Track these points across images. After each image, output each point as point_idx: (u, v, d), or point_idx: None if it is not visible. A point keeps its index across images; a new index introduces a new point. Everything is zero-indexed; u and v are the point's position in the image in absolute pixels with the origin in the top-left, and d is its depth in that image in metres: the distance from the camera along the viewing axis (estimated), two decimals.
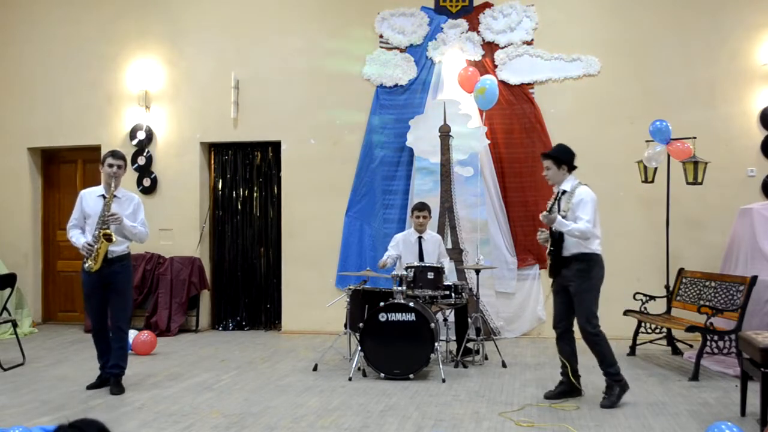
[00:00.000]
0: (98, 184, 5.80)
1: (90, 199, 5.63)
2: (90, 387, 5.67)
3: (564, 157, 5.25)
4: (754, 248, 6.56)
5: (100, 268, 5.46)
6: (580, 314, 5.11)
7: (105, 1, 9.13)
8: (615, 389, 5.06)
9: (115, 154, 5.65)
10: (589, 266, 5.09)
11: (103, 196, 5.57)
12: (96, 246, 5.43)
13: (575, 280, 5.11)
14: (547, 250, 5.28)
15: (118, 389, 5.58)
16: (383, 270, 6.98)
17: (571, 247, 5.12)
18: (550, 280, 7.93)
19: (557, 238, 5.14)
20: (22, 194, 9.34)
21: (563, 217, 5.07)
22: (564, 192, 5.21)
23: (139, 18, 9.04)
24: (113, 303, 5.64)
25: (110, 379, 5.63)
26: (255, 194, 9.02)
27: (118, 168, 5.59)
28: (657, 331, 7.04)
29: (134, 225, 5.63)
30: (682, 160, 7.21)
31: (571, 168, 5.28)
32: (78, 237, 5.56)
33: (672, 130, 7.11)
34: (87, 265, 5.47)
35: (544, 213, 5.09)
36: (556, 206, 5.19)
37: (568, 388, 5.30)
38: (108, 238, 5.41)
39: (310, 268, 8.50)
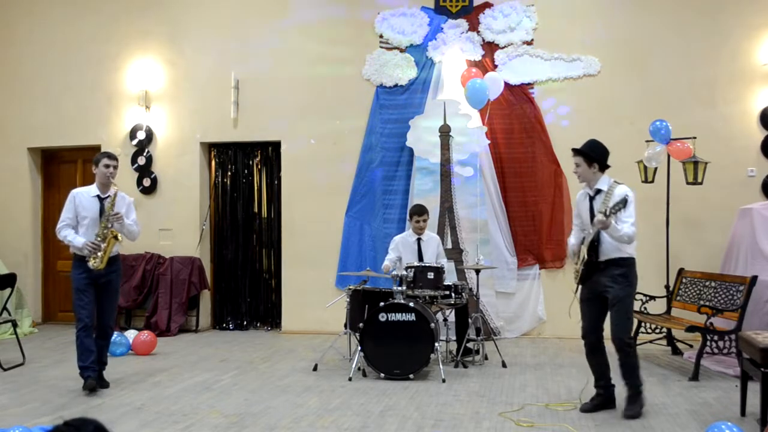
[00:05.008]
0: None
1: (84, 199, 5.68)
2: (92, 390, 5.53)
3: (595, 155, 4.89)
4: (754, 248, 6.56)
5: (89, 266, 5.53)
6: (618, 322, 4.76)
7: (105, 1, 9.13)
8: (639, 400, 4.79)
9: (110, 155, 5.78)
10: (629, 271, 4.81)
11: (99, 197, 5.69)
12: (104, 245, 5.54)
13: (614, 285, 4.77)
14: (581, 259, 4.89)
15: (105, 383, 5.74)
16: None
17: (609, 252, 4.78)
18: (545, 280, 8.08)
19: (595, 242, 4.79)
20: (22, 194, 9.34)
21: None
22: (599, 191, 4.88)
23: (139, 18, 9.04)
24: (106, 302, 5.73)
25: (97, 374, 5.70)
26: (255, 194, 9.02)
27: (114, 169, 5.73)
28: (657, 331, 7.04)
29: (131, 223, 5.80)
30: (682, 160, 7.21)
31: (604, 166, 4.93)
32: (74, 236, 5.59)
33: (672, 130, 7.11)
34: (92, 264, 5.51)
35: (600, 218, 4.58)
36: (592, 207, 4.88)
37: (605, 400, 4.94)
38: (116, 237, 5.59)
39: (310, 268, 8.49)
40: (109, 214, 5.59)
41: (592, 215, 4.84)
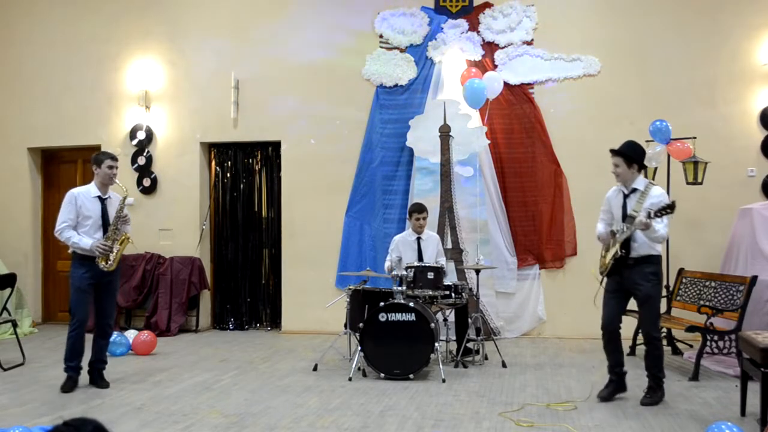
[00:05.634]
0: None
1: (87, 201, 5.66)
2: (69, 391, 5.60)
3: (635, 156, 5.12)
4: (754, 248, 6.56)
5: (101, 267, 5.57)
6: (649, 318, 5.09)
7: (105, 1, 9.13)
8: (658, 391, 5.09)
9: (113, 156, 5.80)
10: (658, 269, 5.07)
11: (100, 198, 5.69)
12: (117, 247, 5.63)
13: (645, 283, 5.02)
14: (611, 254, 5.10)
15: (105, 383, 5.75)
16: (384, 270, 6.98)
17: (640, 249, 5.01)
18: (545, 280, 8.08)
19: (629, 240, 5.00)
20: (22, 194, 9.34)
21: (634, 217, 4.93)
22: (634, 191, 5.10)
23: (139, 18, 9.04)
24: (106, 302, 5.76)
25: (95, 373, 5.78)
26: (255, 194, 9.02)
27: (116, 170, 5.77)
28: None
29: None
30: (682, 160, 7.21)
31: (642, 167, 5.19)
32: (80, 238, 5.57)
33: (672, 130, 7.11)
34: (103, 266, 5.56)
35: (644, 219, 4.76)
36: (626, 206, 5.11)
37: (618, 386, 5.25)
38: (128, 239, 5.74)
39: (310, 268, 8.49)
40: (120, 217, 5.65)
41: (625, 212, 5.08)
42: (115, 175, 5.72)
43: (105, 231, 5.66)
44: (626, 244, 5.01)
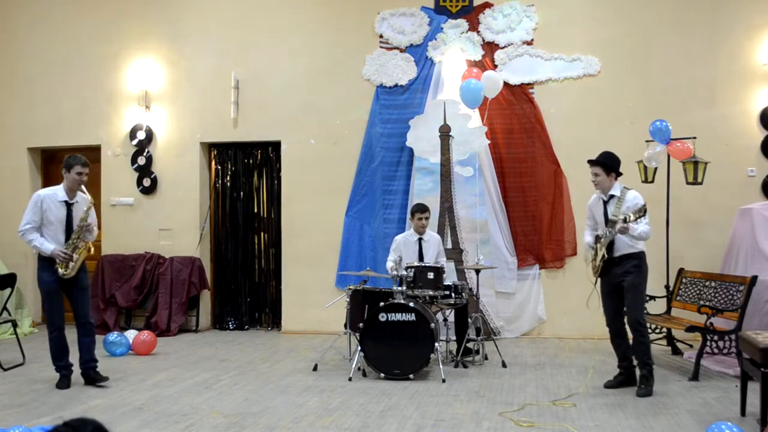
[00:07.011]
0: (83, 184, 5.70)
1: (53, 204, 5.60)
2: (65, 387, 5.71)
3: (613, 164, 5.50)
4: (754, 248, 6.56)
5: (59, 273, 5.57)
6: (634, 307, 5.41)
7: (105, 1, 9.13)
8: (651, 381, 5.34)
9: (85, 163, 5.69)
10: (641, 262, 5.45)
11: (66, 203, 5.63)
12: (76, 256, 5.59)
13: (628, 275, 5.41)
14: (600, 256, 5.48)
15: (102, 377, 5.79)
16: (384, 270, 6.98)
17: (621, 248, 5.43)
18: (545, 280, 8.08)
19: (611, 242, 5.42)
20: (22, 194, 9.28)
21: (615, 221, 5.30)
22: (612, 197, 5.49)
23: (139, 18, 9.04)
24: (79, 300, 5.75)
25: (89, 372, 5.79)
26: (255, 194, 9.03)
27: (86, 176, 5.69)
28: (657, 331, 7.04)
29: (94, 229, 5.85)
30: (682, 160, 7.21)
31: (618, 174, 5.55)
32: (42, 242, 5.54)
33: (672, 130, 7.11)
34: (62, 272, 5.55)
35: (621, 226, 5.20)
36: (606, 211, 5.50)
37: (626, 378, 5.57)
38: (89, 249, 5.68)
39: (310, 268, 8.49)
40: (83, 226, 5.62)
41: (606, 218, 5.47)
42: (84, 182, 5.65)
43: (68, 235, 5.63)
44: (610, 246, 5.43)
